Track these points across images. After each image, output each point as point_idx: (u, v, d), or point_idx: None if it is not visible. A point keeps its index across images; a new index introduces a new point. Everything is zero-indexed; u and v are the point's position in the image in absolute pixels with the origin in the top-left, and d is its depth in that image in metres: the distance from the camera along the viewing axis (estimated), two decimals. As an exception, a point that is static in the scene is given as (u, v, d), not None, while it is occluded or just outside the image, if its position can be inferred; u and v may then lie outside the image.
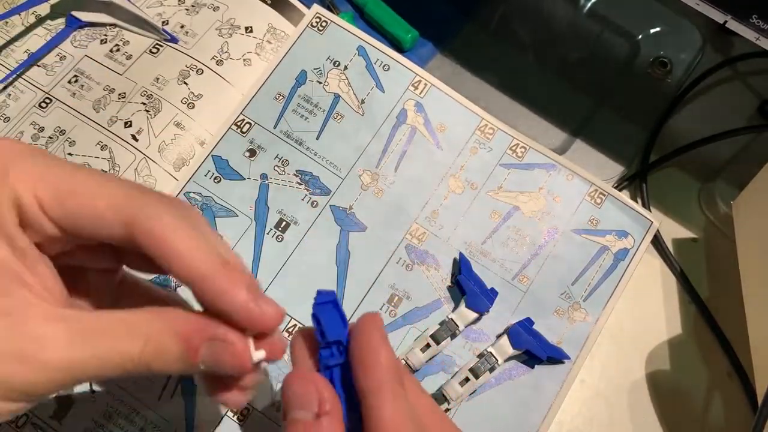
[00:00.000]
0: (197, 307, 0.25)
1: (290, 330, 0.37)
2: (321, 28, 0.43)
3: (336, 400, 0.25)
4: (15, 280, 0.24)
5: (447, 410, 0.36)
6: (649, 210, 0.42)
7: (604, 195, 0.40)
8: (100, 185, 0.24)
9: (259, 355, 0.25)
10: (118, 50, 0.42)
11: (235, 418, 0.35)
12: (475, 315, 0.37)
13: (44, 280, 0.25)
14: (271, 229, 0.39)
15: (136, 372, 0.24)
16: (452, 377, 0.36)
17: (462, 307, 0.37)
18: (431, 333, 0.36)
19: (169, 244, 0.24)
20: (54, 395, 0.29)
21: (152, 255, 0.24)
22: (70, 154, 0.38)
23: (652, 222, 0.40)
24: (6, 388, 0.23)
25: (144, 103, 0.40)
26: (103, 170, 0.38)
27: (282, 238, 0.39)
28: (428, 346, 0.36)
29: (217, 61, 0.42)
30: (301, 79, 0.42)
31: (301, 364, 0.27)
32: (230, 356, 0.24)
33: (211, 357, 0.24)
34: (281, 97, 0.41)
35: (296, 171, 0.40)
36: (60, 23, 0.43)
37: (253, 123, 0.41)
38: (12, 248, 0.24)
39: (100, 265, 0.28)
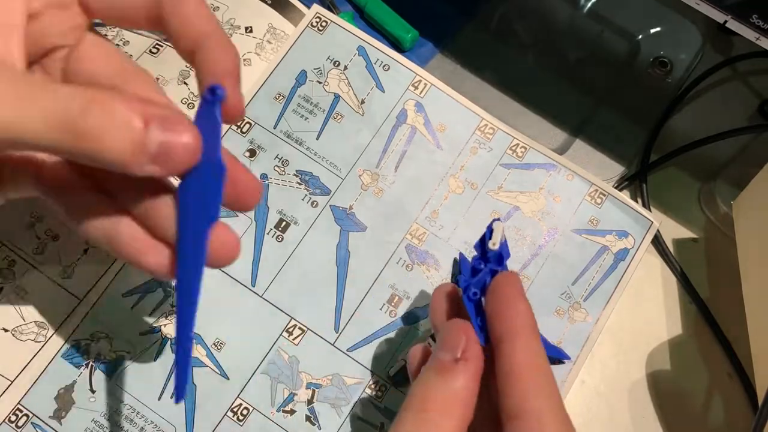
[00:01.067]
0: None
1: (290, 329, 0.37)
2: (321, 28, 0.43)
3: (478, 352, 0.26)
4: None
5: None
6: (650, 210, 0.42)
7: (604, 195, 0.40)
8: None
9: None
10: (118, 50, 0.42)
11: (235, 418, 0.35)
12: (475, 315, 0.37)
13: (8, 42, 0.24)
14: (271, 229, 0.39)
15: (74, 146, 0.21)
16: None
17: (462, 307, 0.37)
18: (432, 333, 0.36)
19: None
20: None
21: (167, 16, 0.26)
22: (70, 154, 0.38)
23: (652, 222, 0.40)
24: None
25: (144, 103, 0.40)
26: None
27: (282, 238, 0.39)
28: (429, 346, 0.36)
29: (217, 61, 0.42)
30: (301, 79, 0.42)
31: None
32: (182, 146, 0.22)
33: (161, 140, 0.22)
34: (281, 97, 0.41)
35: (296, 171, 0.40)
36: (60, 23, 0.43)
37: (253, 123, 0.41)
38: None
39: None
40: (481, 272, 0.29)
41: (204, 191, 0.25)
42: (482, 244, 0.29)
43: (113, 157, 0.22)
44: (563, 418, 0.25)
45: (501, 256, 0.29)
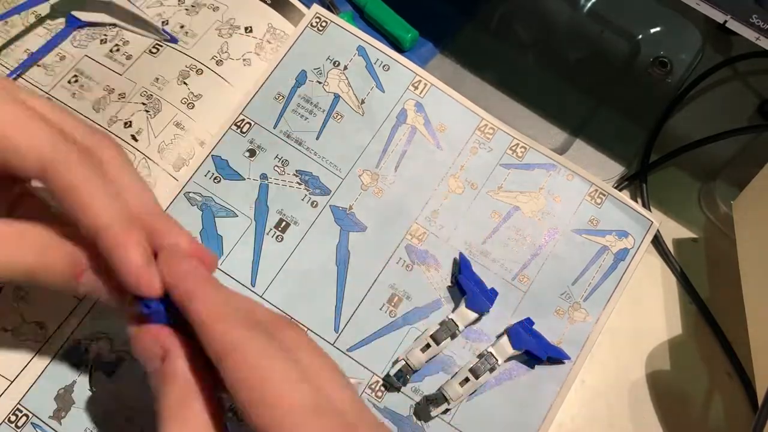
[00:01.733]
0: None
1: (290, 330, 0.37)
2: (321, 28, 0.43)
3: (171, 337, 0.26)
4: None
5: (447, 410, 0.36)
6: (649, 210, 0.42)
7: (604, 195, 0.40)
8: (30, 122, 0.25)
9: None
10: (117, 50, 0.42)
11: (235, 417, 0.35)
12: (475, 315, 0.37)
13: None
14: (271, 229, 0.39)
15: (25, 283, 0.26)
16: (452, 377, 0.36)
17: (462, 307, 0.37)
18: (431, 333, 0.36)
19: (75, 196, 0.25)
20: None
21: (60, 200, 0.25)
22: (69, 154, 0.38)
23: (652, 222, 0.40)
24: None
25: (144, 104, 0.40)
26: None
27: (282, 238, 0.39)
28: (428, 346, 0.36)
29: (217, 61, 0.42)
30: (301, 79, 0.42)
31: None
32: (108, 294, 0.26)
33: (92, 288, 0.26)
34: (281, 97, 0.41)
35: (296, 171, 0.40)
36: (60, 23, 0.43)
37: (252, 123, 0.41)
38: None
39: None
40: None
41: None
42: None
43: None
44: (264, 345, 0.24)
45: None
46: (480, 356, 0.36)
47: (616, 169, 0.43)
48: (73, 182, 0.25)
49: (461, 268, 0.38)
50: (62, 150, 0.25)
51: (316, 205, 0.39)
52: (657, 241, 0.42)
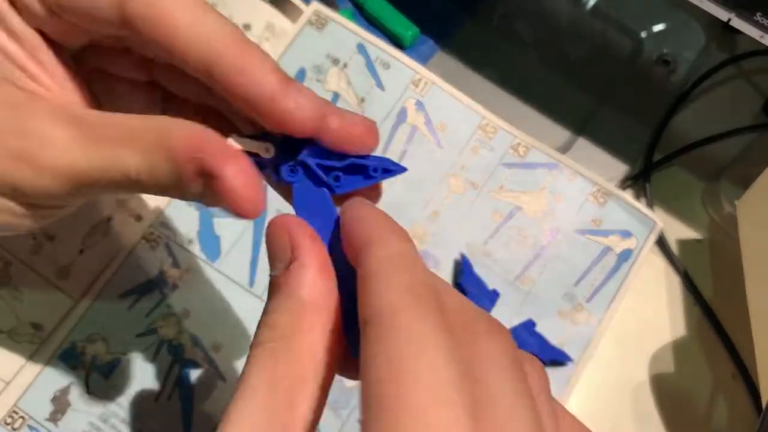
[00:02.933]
0: None
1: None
2: (320, 26, 0.42)
3: (308, 239, 0.20)
4: (17, 68, 0.22)
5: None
6: (653, 210, 0.42)
7: (607, 195, 0.40)
8: None
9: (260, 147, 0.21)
10: (115, 48, 0.41)
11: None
12: (476, 316, 0.37)
13: (53, 73, 0.22)
14: (269, 230, 0.38)
15: (134, 190, 0.22)
16: None
17: (463, 308, 0.37)
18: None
19: (165, 19, 0.20)
20: (62, 209, 0.25)
21: (150, 38, 0.20)
22: (66, 153, 0.38)
23: (655, 222, 0.40)
24: (10, 187, 0.21)
25: (141, 102, 0.40)
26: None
27: (281, 239, 0.38)
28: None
29: (216, 59, 0.41)
30: (300, 77, 0.41)
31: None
32: (221, 196, 0.20)
33: (203, 191, 0.21)
34: (280, 96, 0.41)
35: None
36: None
37: (251, 122, 0.40)
38: (6, 32, 0.22)
39: (126, 73, 0.25)
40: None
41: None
42: (270, 166, 0.23)
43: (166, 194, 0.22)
44: (433, 336, 0.17)
45: (286, 141, 0.23)
46: None
47: (620, 169, 0.43)
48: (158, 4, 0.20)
49: (462, 269, 0.38)
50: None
51: (316, 205, 0.39)
52: (660, 242, 0.41)
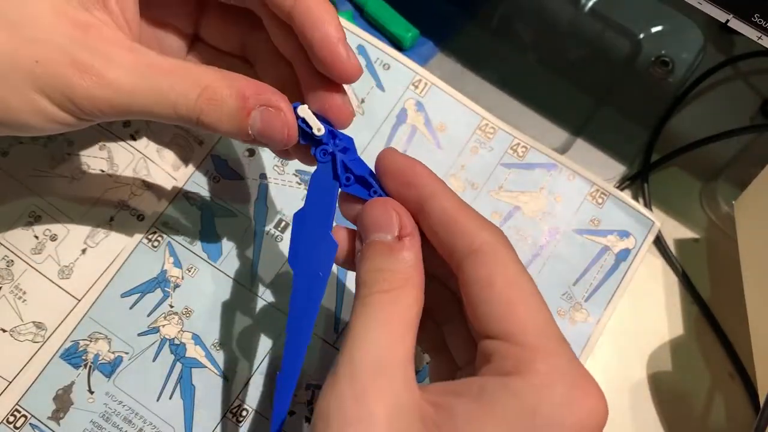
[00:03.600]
0: None
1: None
2: (321, 27, 0.42)
3: (413, 223, 0.26)
4: (98, 1, 0.25)
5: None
6: (651, 210, 0.42)
7: (605, 195, 0.40)
8: None
9: (316, 124, 0.28)
10: (116, 49, 0.42)
11: (234, 419, 0.35)
12: (475, 316, 0.37)
13: (125, 12, 0.26)
14: (270, 229, 0.38)
15: (186, 119, 0.26)
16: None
17: (462, 307, 0.37)
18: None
19: None
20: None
21: None
22: (68, 153, 0.38)
23: (653, 222, 0.40)
24: (65, 94, 0.25)
25: (143, 103, 0.40)
26: (102, 170, 0.38)
27: (281, 238, 0.38)
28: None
29: (217, 60, 0.41)
30: (301, 78, 0.41)
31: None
32: (280, 124, 0.26)
33: (261, 121, 0.26)
34: (281, 97, 0.41)
35: (296, 171, 0.40)
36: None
37: (252, 122, 0.40)
38: None
39: (178, 23, 0.31)
40: (339, 156, 0.28)
41: (316, 261, 0.28)
42: (312, 140, 0.29)
43: (221, 133, 0.27)
44: (515, 255, 0.26)
45: (334, 133, 0.29)
46: None
47: (618, 169, 0.43)
48: None
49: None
50: None
51: (316, 205, 0.39)
52: (658, 242, 0.42)
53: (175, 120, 0.26)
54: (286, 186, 0.39)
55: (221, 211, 0.39)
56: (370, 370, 0.22)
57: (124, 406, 0.35)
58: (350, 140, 0.29)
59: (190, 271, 0.37)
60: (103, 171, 0.38)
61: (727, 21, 0.34)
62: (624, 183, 0.43)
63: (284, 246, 0.38)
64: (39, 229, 0.37)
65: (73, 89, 0.24)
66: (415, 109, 0.41)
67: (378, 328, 0.23)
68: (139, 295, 0.37)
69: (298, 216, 0.29)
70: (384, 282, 0.24)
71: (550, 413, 0.22)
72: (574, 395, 0.23)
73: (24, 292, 0.36)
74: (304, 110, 0.28)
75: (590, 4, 0.47)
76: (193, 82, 0.25)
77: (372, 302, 0.24)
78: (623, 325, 0.39)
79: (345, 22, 0.42)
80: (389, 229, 0.26)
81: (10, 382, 0.35)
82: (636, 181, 0.43)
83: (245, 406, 0.35)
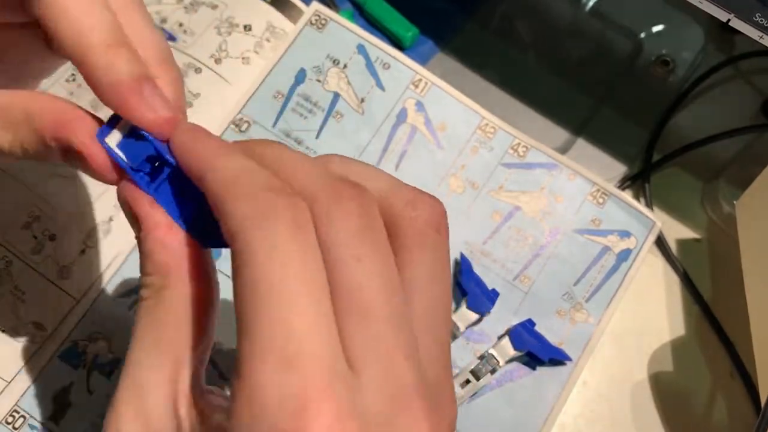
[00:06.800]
0: None
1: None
2: (320, 26, 0.42)
3: (150, 208, 0.22)
4: None
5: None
6: (652, 210, 0.42)
7: (606, 195, 0.40)
8: None
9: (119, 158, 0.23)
10: (115, 48, 0.41)
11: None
12: (476, 316, 0.37)
13: None
14: (270, 229, 0.38)
15: (9, 160, 0.24)
16: (453, 379, 0.36)
17: (463, 308, 0.37)
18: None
19: (57, 6, 0.22)
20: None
21: (36, 15, 0.22)
22: (67, 153, 0.38)
23: (654, 222, 0.40)
24: None
25: (142, 102, 0.40)
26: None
27: (281, 238, 0.38)
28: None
29: (216, 59, 0.41)
30: (300, 77, 0.41)
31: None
32: (85, 166, 0.23)
33: (69, 161, 0.23)
34: (280, 96, 0.41)
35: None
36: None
37: (251, 122, 0.40)
38: None
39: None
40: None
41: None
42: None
43: None
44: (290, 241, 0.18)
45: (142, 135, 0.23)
46: (481, 357, 0.36)
47: (619, 169, 0.43)
48: None
49: (462, 269, 0.38)
50: None
51: (316, 205, 0.39)
52: (659, 242, 0.42)
53: (8, 161, 0.25)
54: (286, 186, 0.39)
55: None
56: (125, 399, 0.21)
57: (123, 406, 0.35)
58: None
59: (189, 272, 0.37)
60: None
61: (728, 20, 0.34)
62: (625, 183, 0.43)
63: (284, 246, 0.38)
64: (38, 229, 0.37)
65: None
66: (415, 108, 0.41)
67: (134, 346, 0.22)
68: (138, 295, 0.36)
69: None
70: (142, 290, 0.22)
71: None
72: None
73: (23, 293, 0.36)
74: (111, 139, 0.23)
75: (591, 3, 0.47)
76: (4, 127, 0.23)
77: (136, 315, 0.22)
78: (624, 326, 0.39)
79: (345, 22, 0.42)
80: (131, 222, 0.23)
81: (9, 383, 0.35)
82: (637, 181, 0.43)
83: (245, 407, 0.35)
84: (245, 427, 0.17)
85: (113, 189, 0.24)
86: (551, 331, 0.37)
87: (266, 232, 0.18)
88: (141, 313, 0.22)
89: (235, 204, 0.19)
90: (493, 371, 0.36)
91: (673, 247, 0.42)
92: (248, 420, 0.17)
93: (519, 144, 0.41)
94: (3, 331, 0.35)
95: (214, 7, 0.43)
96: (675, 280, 0.41)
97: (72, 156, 0.23)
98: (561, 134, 0.44)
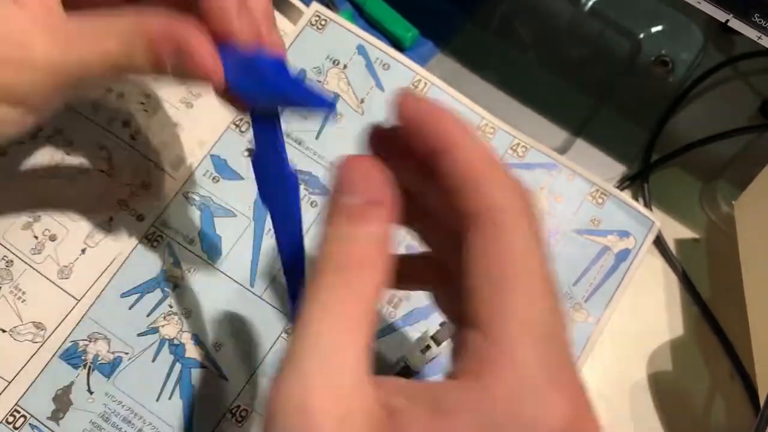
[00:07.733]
0: None
1: (290, 330, 0.37)
2: (320, 27, 0.42)
3: (390, 191, 0.21)
4: None
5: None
6: (651, 210, 0.42)
7: (605, 195, 0.40)
8: None
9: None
10: (116, 49, 0.42)
11: (234, 419, 0.35)
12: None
13: None
14: (270, 230, 0.38)
15: (117, 75, 0.27)
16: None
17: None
18: (432, 334, 0.36)
19: None
20: (52, 109, 0.29)
21: None
22: (68, 153, 0.38)
23: (653, 222, 0.40)
24: (6, 92, 0.25)
25: (143, 103, 0.40)
26: (101, 170, 0.38)
27: (281, 239, 0.38)
28: (429, 347, 0.36)
29: (216, 60, 0.41)
30: (301, 78, 0.41)
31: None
32: (194, 66, 0.25)
33: (172, 67, 0.25)
34: (280, 97, 0.41)
35: (296, 171, 0.40)
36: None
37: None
38: None
39: None
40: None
41: (284, 201, 0.27)
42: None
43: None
44: (530, 228, 0.21)
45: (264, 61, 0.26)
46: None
47: (618, 169, 0.43)
48: None
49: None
50: None
51: (316, 205, 0.39)
52: (658, 242, 0.42)
53: (110, 78, 0.27)
54: (286, 186, 0.39)
55: (220, 211, 0.38)
56: (315, 371, 0.19)
57: (123, 406, 0.35)
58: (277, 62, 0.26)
59: (189, 272, 0.37)
60: (102, 171, 0.38)
61: (727, 21, 0.34)
62: (624, 183, 0.43)
63: (284, 246, 0.38)
64: (38, 229, 0.37)
65: (7, 85, 0.25)
66: (414, 109, 0.41)
67: (324, 319, 0.20)
68: (138, 295, 0.37)
69: (256, 159, 0.27)
70: (337, 259, 0.20)
71: None
72: (538, 414, 0.19)
73: (23, 293, 0.36)
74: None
75: (590, 3, 0.47)
76: (109, 39, 0.25)
77: (321, 284, 0.20)
78: (623, 326, 0.39)
79: (345, 23, 0.42)
80: (359, 191, 0.21)
81: (10, 383, 0.35)
82: (636, 181, 0.43)
83: (245, 407, 0.35)
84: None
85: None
86: (550, 330, 0.37)
87: (514, 213, 0.21)
88: (323, 286, 0.20)
89: (489, 184, 0.21)
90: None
91: (672, 247, 0.42)
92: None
93: (518, 144, 0.41)
94: (4, 331, 0.35)
95: (214, 7, 0.43)
96: (674, 280, 0.41)
97: (181, 57, 0.25)
98: (560, 134, 0.44)
